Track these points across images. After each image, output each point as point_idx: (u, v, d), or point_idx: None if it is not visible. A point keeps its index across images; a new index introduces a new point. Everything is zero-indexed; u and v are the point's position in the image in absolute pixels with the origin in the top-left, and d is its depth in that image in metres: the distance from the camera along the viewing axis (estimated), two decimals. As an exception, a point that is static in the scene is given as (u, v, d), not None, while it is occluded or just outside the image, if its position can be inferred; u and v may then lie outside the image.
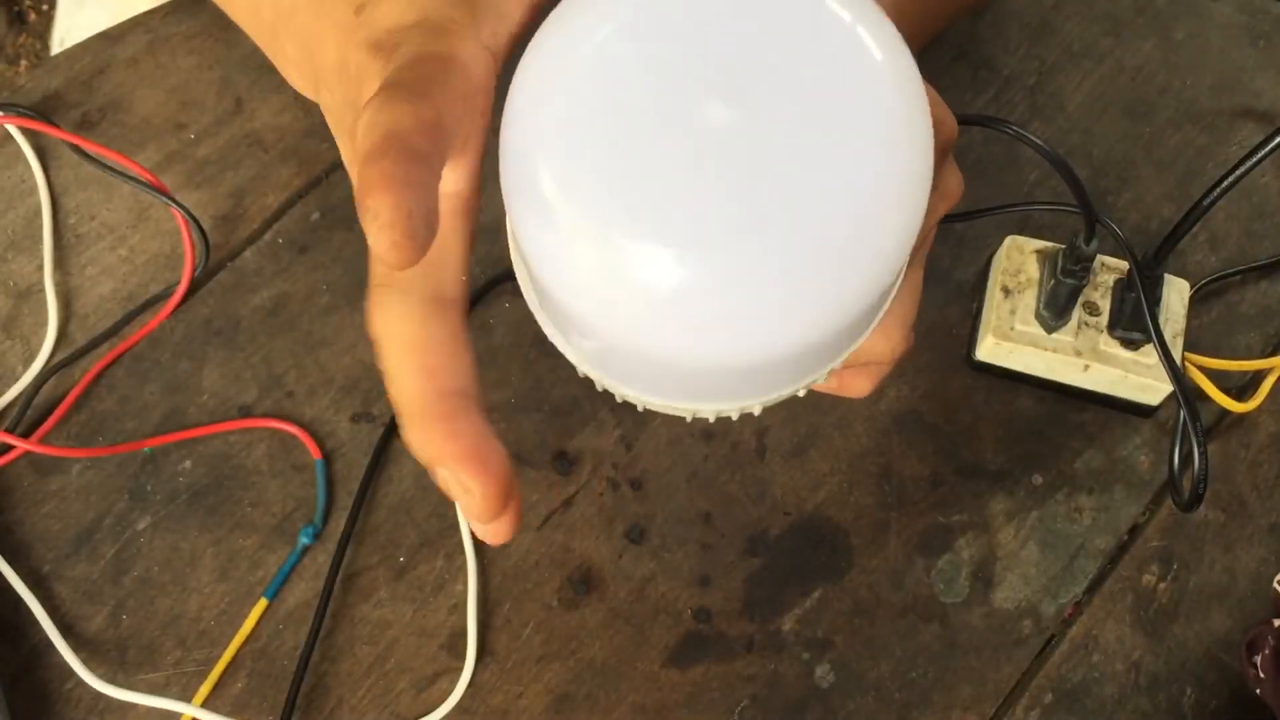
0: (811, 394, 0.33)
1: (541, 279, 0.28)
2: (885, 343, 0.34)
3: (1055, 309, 0.48)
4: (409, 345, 0.29)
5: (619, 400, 0.32)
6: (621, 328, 0.27)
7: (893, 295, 0.31)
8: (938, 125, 0.32)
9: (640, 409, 0.32)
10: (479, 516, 0.28)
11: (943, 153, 0.33)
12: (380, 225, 0.24)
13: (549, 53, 0.27)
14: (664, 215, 0.25)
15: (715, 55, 0.25)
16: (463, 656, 0.46)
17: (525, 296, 0.31)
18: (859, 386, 0.37)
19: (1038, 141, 0.39)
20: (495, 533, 0.29)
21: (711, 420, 0.32)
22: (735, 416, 0.32)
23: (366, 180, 0.25)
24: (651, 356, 0.28)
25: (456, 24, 0.29)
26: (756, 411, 0.32)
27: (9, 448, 0.49)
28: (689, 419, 0.32)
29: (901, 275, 0.31)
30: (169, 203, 0.52)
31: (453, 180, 0.29)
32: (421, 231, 0.24)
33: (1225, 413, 0.51)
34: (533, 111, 0.26)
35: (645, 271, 0.25)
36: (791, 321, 0.26)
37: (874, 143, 0.25)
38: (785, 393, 0.31)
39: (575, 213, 0.25)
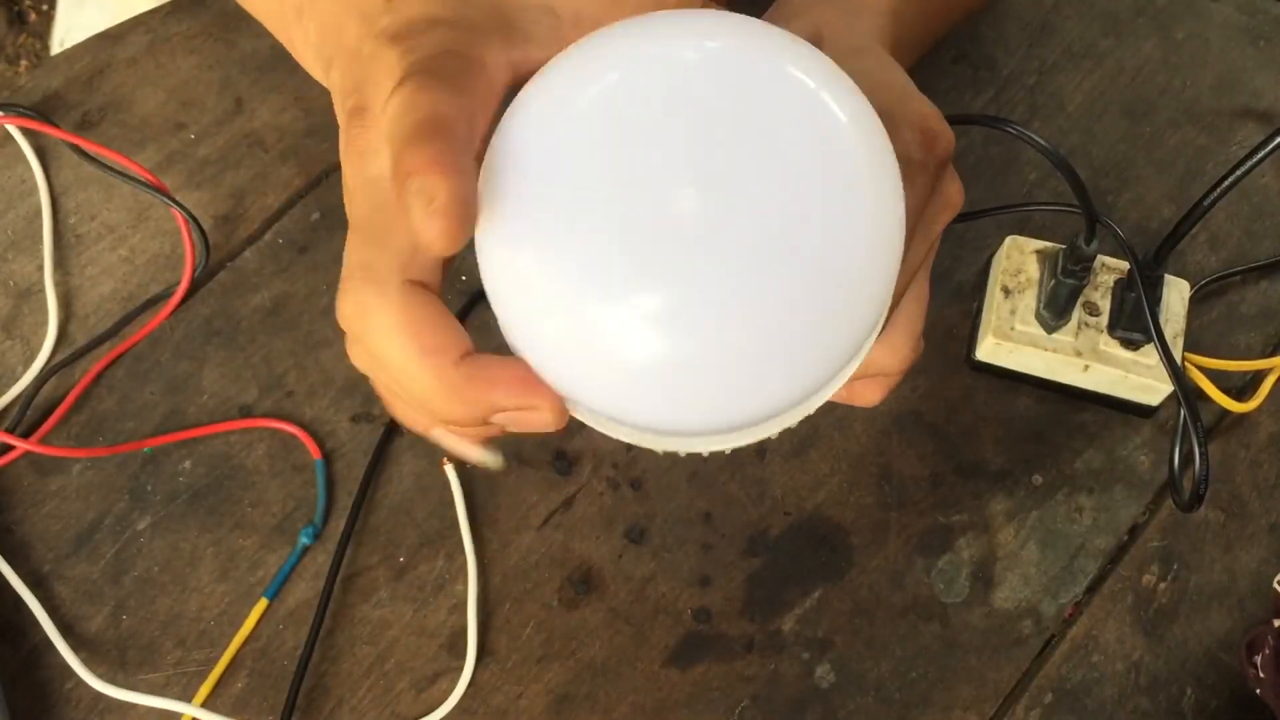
0: None
1: (511, 338, 0.28)
2: (893, 355, 0.34)
3: (1055, 309, 0.48)
4: (403, 332, 0.28)
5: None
6: (584, 393, 0.27)
7: (867, 347, 0.31)
8: (935, 137, 0.32)
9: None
10: (553, 423, 0.29)
11: (941, 163, 0.33)
12: (434, 209, 0.24)
13: (533, 110, 0.27)
14: (630, 286, 0.25)
15: (690, 132, 0.26)
16: (463, 656, 0.46)
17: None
18: (868, 396, 0.37)
19: (1040, 141, 0.39)
20: (559, 421, 0.30)
21: (682, 455, 0.33)
22: (706, 454, 0.32)
23: (416, 160, 0.24)
24: (615, 420, 0.29)
25: (487, 32, 0.29)
26: (728, 451, 0.32)
27: (9, 448, 0.49)
28: (660, 452, 0.32)
29: (875, 333, 0.31)
30: (169, 203, 0.52)
31: None
32: (472, 220, 0.24)
33: (1225, 413, 0.51)
34: (511, 164, 0.27)
35: (606, 339, 0.26)
36: (758, 392, 0.27)
37: (839, 214, 0.26)
38: (756, 437, 0.31)
39: (547, 285, 0.26)
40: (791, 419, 0.31)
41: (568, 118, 0.26)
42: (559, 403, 0.29)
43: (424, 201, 0.24)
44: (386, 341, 0.29)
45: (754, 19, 0.28)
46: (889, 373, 0.35)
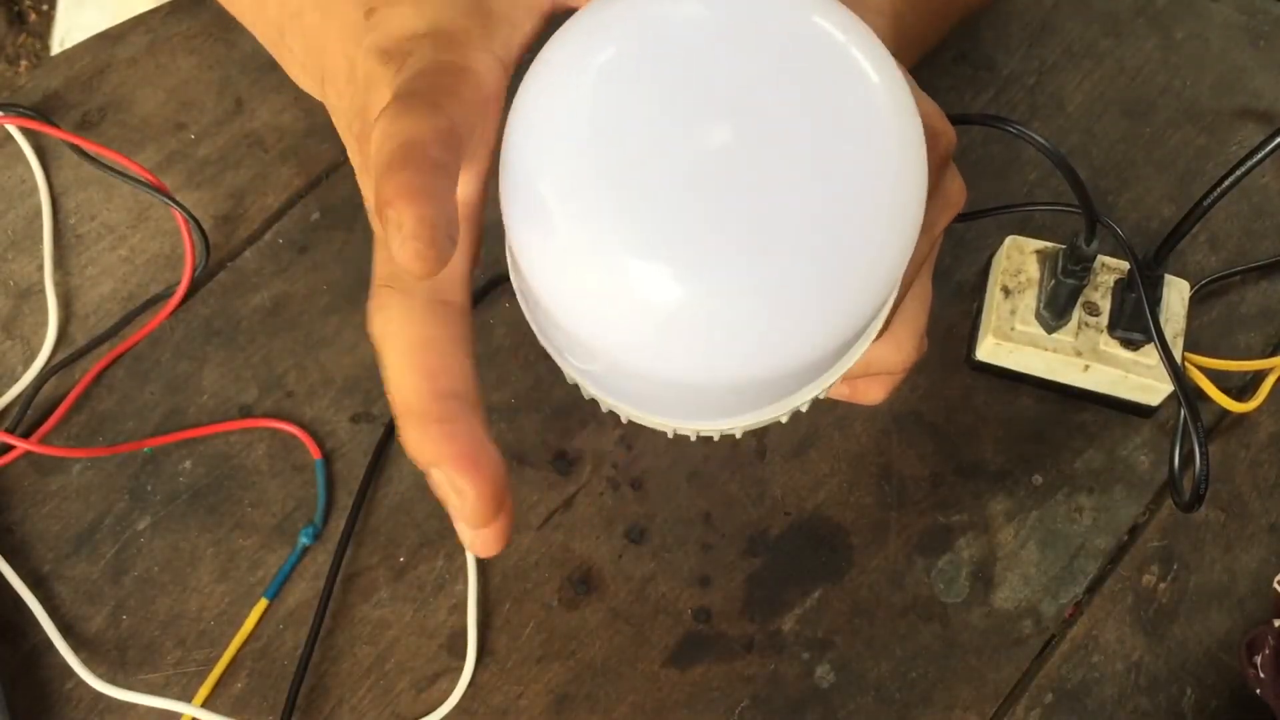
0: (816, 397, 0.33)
1: (536, 292, 0.28)
2: (897, 353, 0.34)
3: (1055, 309, 0.48)
4: (409, 345, 0.29)
5: (604, 410, 0.32)
6: (611, 343, 0.27)
7: (883, 316, 0.31)
8: (936, 136, 0.32)
9: (625, 420, 0.32)
10: (470, 520, 0.28)
11: (942, 162, 0.33)
12: (405, 236, 0.24)
13: (551, 74, 0.27)
14: (659, 235, 0.25)
15: (715, 78, 0.26)
16: (463, 656, 0.46)
17: (520, 301, 0.31)
18: (872, 395, 0.37)
19: (1040, 140, 0.39)
20: (484, 542, 0.28)
21: (693, 439, 0.33)
22: (717, 438, 0.32)
23: (387, 190, 0.24)
24: (641, 373, 0.28)
25: (469, 34, 0.29)
26: (738, 434, 0.32)
27: (9, 448, 0.49)
28: (670, 435, 0.32)
29: (893, 298, 0.31)
30: (169, 203, 0.52)
31: (461, 188, 0.29)
32: (444, 241, 0.24)
33: (1225, 413, 0.51)
34: (534, 131, 0.27)
35: (638, 289, 0.25)
36: (781, 341, 0.26)
37: (866, 166, 0.26)
38: (769, 416, 0.31)
39: (573, 229, 0.26)
40: (809, 392, 0.31)
41: (585, 73, 0.26)
42: (486, 506, 0.28)
43: (395, 229, 0.24)
44: (395, 346, 0.29)
45: None
46: (893, 370, 0.35)
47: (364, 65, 0.30)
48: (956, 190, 0.34)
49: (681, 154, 0.25)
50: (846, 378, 0.37)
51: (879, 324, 0.31)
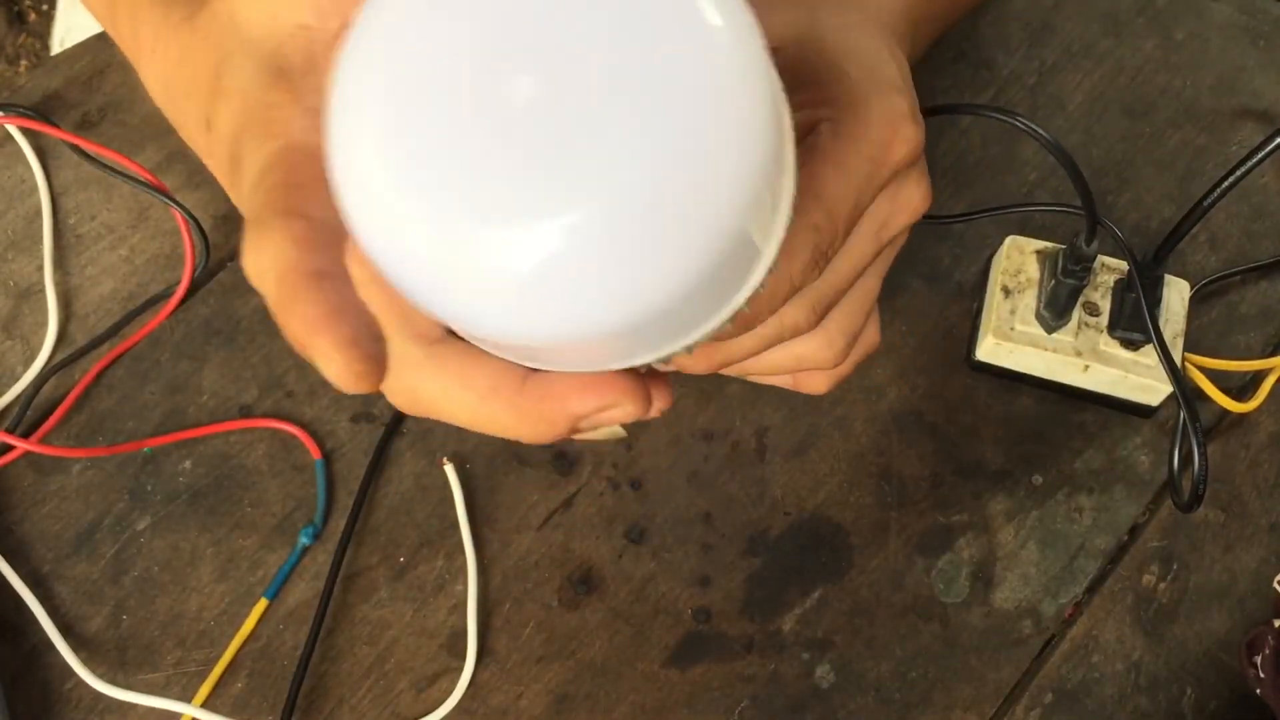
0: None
1: (382, 268, 0.27)
2: (828, 349, 0.34)
3: (1055, 309, 0.48)
4: (454, 390, 0.30)
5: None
6: (461, 313, 0.26)
7: (771, 245, 0.30)
8: (899, 140, 0.32)
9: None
10: (643, 414, 0.30)
11: (902, 166, 0.32)
12: (337, 367, 0.24)
13: (351, 68, 0.26)
14: (480, 197, 0.24)
15: (536, 30, 0.25)
16: (463, 656, 0.46)
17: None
18: (813, 386, 0.37)
19: (1043, 134, 0.39)
20: (659, 409, 0.31)
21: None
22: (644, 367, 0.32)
23: (294, 331, 0.25)
24: (509, 341, 0.28)
25: (279, 106, 0.28)
26: (644, 370, 0.32)
27: (9, 448, 0.49)
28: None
29: (779, 225, 0.30)
30: (169, 203, 0.52)
31: None
32: (372, 346, 0.25)
33: (1225, 413, 0.51)
34: (345, 131, 0.25)
35: (471, 254, 0.25)
36: (626, 290, 0.26)
37: (695, 104, 0.25)
38: (652, 357, 0.31)
39: (393, 208, 0.25)
40: (698, 331, 0.30)
41: (389, 49, 0.25)
42: (637, 392, 0.29)
43: (325, 363, 0.24)
44: (447, 404, 0.30)
45: None
46: (824, 365, 0.35)
47: (226, 180, 0.30)
48: (918, 196, 0.33)
49: (495, 115, 0.24)
50: (785, 374, 0.37)
51: (767, 256, 0.30)
